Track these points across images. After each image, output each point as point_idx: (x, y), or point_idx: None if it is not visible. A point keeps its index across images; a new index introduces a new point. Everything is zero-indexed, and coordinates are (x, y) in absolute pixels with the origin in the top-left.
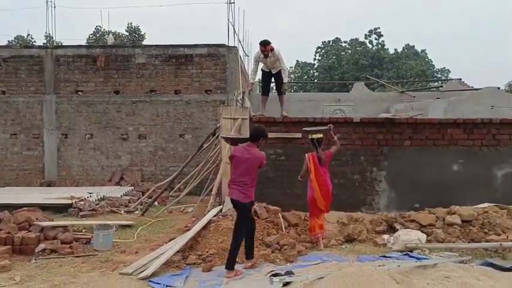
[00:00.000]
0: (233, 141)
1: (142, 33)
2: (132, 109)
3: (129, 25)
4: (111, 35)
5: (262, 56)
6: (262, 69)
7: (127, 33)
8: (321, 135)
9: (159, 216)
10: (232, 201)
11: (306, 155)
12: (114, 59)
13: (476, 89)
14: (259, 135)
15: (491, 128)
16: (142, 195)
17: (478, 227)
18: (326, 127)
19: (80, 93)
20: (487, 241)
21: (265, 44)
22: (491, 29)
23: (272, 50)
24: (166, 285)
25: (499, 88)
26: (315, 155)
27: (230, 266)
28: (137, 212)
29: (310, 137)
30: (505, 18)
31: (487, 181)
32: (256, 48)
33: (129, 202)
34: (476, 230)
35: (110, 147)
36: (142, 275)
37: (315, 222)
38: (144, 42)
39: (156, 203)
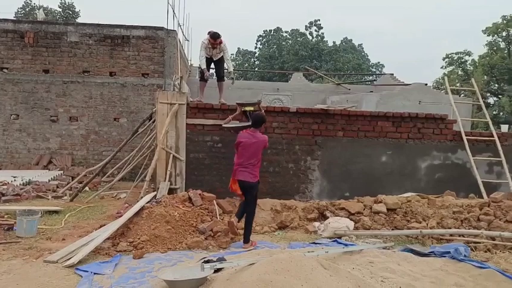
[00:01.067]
0: (236, 130)
1: (76, 10)
2: (63, 90)
3: (63, 1)
4: (41, 10)
5: (210, 46)
6: None
7: (60, 10)
8: (252, 108)
9: (89, 202)
10: (241, 182)
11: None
12: (44, 36)
13: (406, 85)
14: (262, 121)
15: (417, 122)
16: (72, 180)
17: (401, 215)
18: (256, 101)
19: (4, 70)
20: (408, 228)
21: (215, 38)
22: (424, 28)
23: (221, 43)
24: (94, 273)
25: (426, 84)
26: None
27: (248, 239)
28: (66, 197)
29: (243, 109)
30: (436, 19)
31: (411, 172)
32: (197, 33)
33: (58, 187)
34: (399, 218)
35: (38, 129)
36: (68, 262)
37: (233, 182)
38: (79, 20)
39: (87, 188)
